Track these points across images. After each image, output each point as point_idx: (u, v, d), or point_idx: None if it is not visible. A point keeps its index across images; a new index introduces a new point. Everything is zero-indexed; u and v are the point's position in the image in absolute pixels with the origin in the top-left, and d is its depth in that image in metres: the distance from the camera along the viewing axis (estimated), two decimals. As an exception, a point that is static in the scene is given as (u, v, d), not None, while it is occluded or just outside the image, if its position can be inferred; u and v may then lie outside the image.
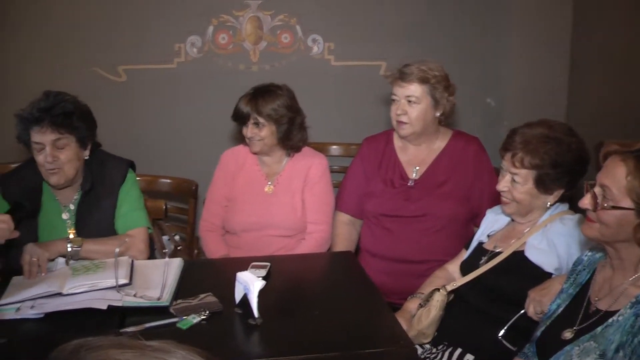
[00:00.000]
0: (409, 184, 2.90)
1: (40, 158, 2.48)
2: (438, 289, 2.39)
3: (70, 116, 2.47)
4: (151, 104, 4.21)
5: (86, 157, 2.61)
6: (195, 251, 3.35)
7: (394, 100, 2.85)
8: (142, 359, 0.87)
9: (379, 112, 4.16)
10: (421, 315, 2.37)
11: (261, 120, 2.87)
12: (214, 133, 4.16)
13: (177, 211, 3.40)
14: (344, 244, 3.00)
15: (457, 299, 2.42)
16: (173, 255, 2.98)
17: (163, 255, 2.92)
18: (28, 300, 2.17)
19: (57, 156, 2.47)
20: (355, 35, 4.22)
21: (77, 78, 4.04)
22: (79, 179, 2.63)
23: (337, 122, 4.20)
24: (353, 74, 4.25)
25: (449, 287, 2.39)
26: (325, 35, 4.20)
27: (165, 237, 3.11)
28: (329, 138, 3.87)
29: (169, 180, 3.36)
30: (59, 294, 2.18)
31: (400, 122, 2.84)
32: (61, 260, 2.43)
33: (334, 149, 3.83)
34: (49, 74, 4.05)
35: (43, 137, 2.44)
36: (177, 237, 3.22)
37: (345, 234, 3.04)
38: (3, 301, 2.18)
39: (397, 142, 2.99)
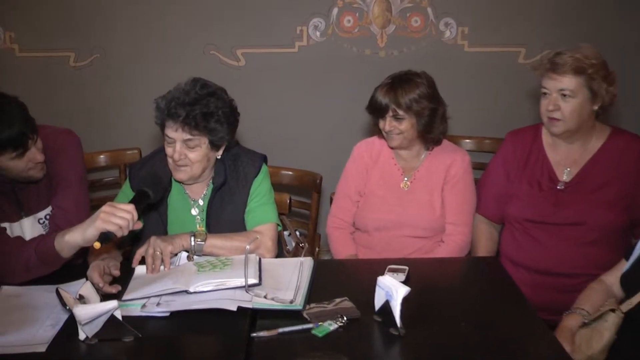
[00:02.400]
0: (558, 187, 2.70)
1: (169, 150, 2.45)
2: (613, 310, 2.18)
3: (209, 118, 2.40)
4: (271, 91, 4.20)
5: (218, 157, 2.57)
6: (317, 249, 3.27)
7: (544, 94, 2.64)
8: None
9: (517, 104, 4.03)
10: (591, 339, 2.18)
11: (401, 112, 2.75)
12: (338, 122, 4.12)
13: (298, 205, 3.34)
14: (486, 243, 2.87)
15: (626, 318, 2.21)
16: (295, 253, 2.92)
17: (287, 253, 2.86)
18: (153, 297, 2.13)
19: (186, 154, 2.43)
20: (492, 18, 4.07)
21: (195, 61, 4.10)
22: (210, 175, 2.59)
23: (469, 114, 4.06)
24: (488, 61, 4.11)
25: (624, 308, 2.18)
26: (459, 18, 4.07)
27: (285, 233, 3.04)
28: (460, 131, 3.72)
29: (290, 172, 3.30)
30: (185, 292, 2.14)
31: (552, 119, 2.63)
32: (184, 255, 2.40)
33: (466, 143, 3.68)
34: (169, 56, 4.10)
35: (175, 133, 2.40)
36: (297, 233, 3.15)
37: (486, 231, 2.90)
38: (128, 296, 2.16)
39: (546, 139, 2.79)
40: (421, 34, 4.07)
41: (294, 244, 3.04)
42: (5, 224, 2.49)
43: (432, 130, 2.81)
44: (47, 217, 2.56)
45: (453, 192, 2.85)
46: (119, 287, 2.25)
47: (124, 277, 2.31)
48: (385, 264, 2.40)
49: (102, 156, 3.57)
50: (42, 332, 2.00)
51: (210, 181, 2.60)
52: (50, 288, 2.20)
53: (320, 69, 4.13)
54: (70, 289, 2.19)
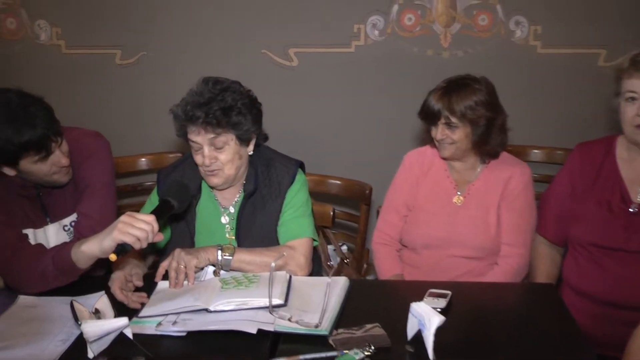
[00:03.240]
0: (631, 210, 2.54)
1: (198, 159, 2.46)
2: None
3: (229, 112, 2.40)
4: (324, 93, 4.16)
5: (250, 153, 2.55)
6: (365, 265, 3.21)
7: (632, 98, 2.46)
8: None
9: (595, 111, 3.87)
10: None
11: (454, 120, 2.67)
12: (394, 130, 4.06)
13: (345, 217, 3.30)
14: (547, 268, 2.76)
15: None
16: (338, 270, 2.87)
17: (328, 269, 2.81)
18: (171, 315, 2.12)
19: (216, 157, 2.43)
20: (568, 16, 3.91)
21: (245, 61, 4.09)
22: (242, 178, 2.58)
23: (540, 121, 3.96)
24: (564, 63, 3.95)
25: None
26: (531, 16, 3.93)
27: (330, 247, 2.99)
28: (529, 140, 3.65)
29: (338, 182, 3.28)
30: (205, 310, 2.11)
31: None
32: (210, 269, 2.38)
33: (535, 154, 3.61)
34: (218, 56, 4.12)
35: (198, 137, 2.41)
36: (344, 248, 3.10)
37: (546, 255, 2.79)
38: (145, 312, 2.15)
39: (620, 153, 2.64)
40: (489, 34, 3.95)
41: (338, 260, 2.99)
42: (29, 230, 2.52)
43: (488, 142, 2.72)
44: (73, 223, 2.58)
45: (510, 210, 2.75)
46: (145, 296, 2.27)
47: (147, 292, 2.31)
48: (428, 287, 2.32)
49: (143, 159, 3.61)
50: (51, 348, 2.00)
51: (242, 188, 2.58)
52: (67, 300, 2.20)
53: (378, 71, 4.05)
54: (88, 302, 2.21)
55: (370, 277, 3.29)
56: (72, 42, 4.25)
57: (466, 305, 2.28)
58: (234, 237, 2.55)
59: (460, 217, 2.78)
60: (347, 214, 3.30)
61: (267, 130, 2.65)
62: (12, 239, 2.39)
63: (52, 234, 2.56)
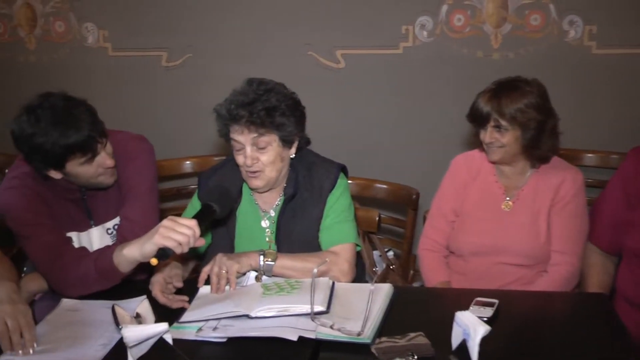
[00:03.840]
0: None
1: (239, 159, 2.47)
2: None
3: (273, 112, 2.41)
4: (370, 95, 4.15)
5: (292, 156, 2.56)
6: (411, 272, 3.19)
7: None
8: None
9: None
10: None
11: (503, 123, 2.63)
12: (442, 133, 4.03)
13: (392, 222, 3.28)
14: (599, 278, 2.70)
15: None
16: (384, 276, 2.86)
17: (373, 275, 2.80)
18: (212, 320, 2.13)
19: (258, 157, 2.44)
20: (625, 15, 3.83)
21: (290, 63, 4.11)
22: (283, 181, 2.58)
23: (594, 124, 3.89)
24: (620, 64, 3.87)
25: None
26: (586, 16, 3.86)
27: (376, 253, 2.98)
28: (582, 144, 3.57)
29: (385, 186, 3.26)
30: (246, 316, 2.12)
31: None
32: (252, 274, 2.38)
33: (588, 158, 3.55)
34: (263, 57, 4.15)
35: (241, 136, 2.43)
36: (390, 254, 3.09)
37: (599, 264, 2.74)
38: (185, 318, 2.17)
39: None
40: (541, 34, 3.89)
41: (384, 266, 2.98)
42: (73, 233, 2.56)
43: (538, 146, 2.68)
44: (116, 227, 2.61)
45: (561, 216, 2.70)
46: (186, 299, 2.29)
47: (190, 297, 2.33)
48: (475, 295, 2.29)
49: (187, 162, 3.64)
50: (92, 352, 2.02)
51: (283, 192, 2.59)
52: (109, 304, 2.24)
53: (426, 73, 4.04)
54: (130, 306, 2.24)
55: (417, 284, 3.26)
56: (118, 45, 4.35)
57: (514, 314, 2.25)
58: (274, 242, 2.56)
59: (508, 224, 2.74)
60: (393, 219, 3.28)
61: (312, 133, 2.65)
62: (56, 242, 2.43)
63: (95, 238, 2.60)
